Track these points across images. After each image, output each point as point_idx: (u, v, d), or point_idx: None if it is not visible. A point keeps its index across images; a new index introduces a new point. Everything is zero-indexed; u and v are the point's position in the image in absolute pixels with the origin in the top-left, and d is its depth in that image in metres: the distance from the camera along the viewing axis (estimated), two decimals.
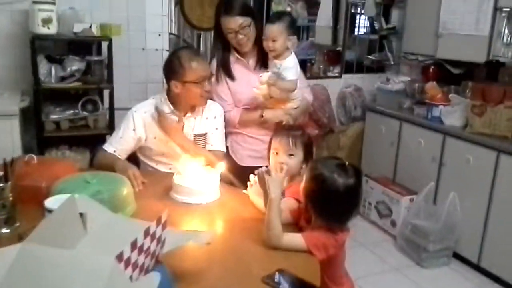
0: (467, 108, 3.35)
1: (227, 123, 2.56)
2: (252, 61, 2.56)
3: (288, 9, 3.82)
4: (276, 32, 2.32)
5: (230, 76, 2.53)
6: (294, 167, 2.01)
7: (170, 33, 3.66)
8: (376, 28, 4.31)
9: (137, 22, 3.45)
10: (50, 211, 1.49)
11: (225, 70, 2.53)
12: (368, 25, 4.52)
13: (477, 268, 3.24)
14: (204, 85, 2.26)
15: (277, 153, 2.06)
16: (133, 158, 2.44)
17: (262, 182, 1.72)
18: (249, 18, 2.42)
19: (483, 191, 3.16)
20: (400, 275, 3.20)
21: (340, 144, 4.14)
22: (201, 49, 4.03)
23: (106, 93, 3.19)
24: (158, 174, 2.35)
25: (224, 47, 2.53)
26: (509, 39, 3.31)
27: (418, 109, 3.74)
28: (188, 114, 2.36)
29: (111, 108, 3.12)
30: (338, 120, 4.32)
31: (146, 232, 1.19)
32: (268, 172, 1.68)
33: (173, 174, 2.24)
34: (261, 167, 2.56)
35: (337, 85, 4.33)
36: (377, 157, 4.06)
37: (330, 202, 1.59)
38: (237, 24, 2.39)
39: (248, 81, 2.53)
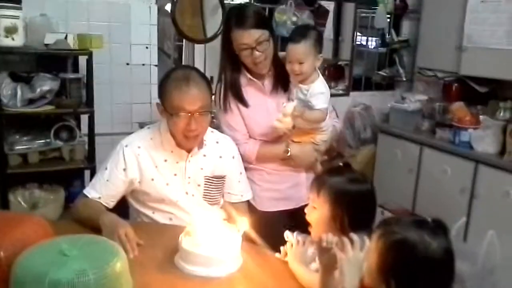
0: (500, 131, 2.96)
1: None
2: (268, 83, 2.09)
3: (294, 19, 3.36)
4: (303, 53, 1.91)
5: (242, 101, 2.05)
6: (314, 224, 1.55)
7: None
8: (387, 41, 3.88)
9: (120, 32, 2.96)
10: None
11: (236, 94, 2.05)
12: (368, 37, 4.10)
13: None
14: (189, 122, 1.72)
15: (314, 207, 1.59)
16: (121, 203, 1.92)
17: (323, 254, 1.24)
18: (267, 31, 1.96)
19: None
20: None
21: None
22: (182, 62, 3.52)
23: (84, 117, 2.66)
24: (157, 228, 1.83)
25: (233, 68, 2.04)
26: None
27: (441, 132, 3.32)
28: (195, 150, 1.85)
29: (91, 136, 2.59)
30: (346, 143, 3.87)
31: None
32: (339, 244, 1.19)
33: (176, 227, 1.77)
34: (285, 211, 2.14)
35: (344, 103, 3.87)
36: (393, 186, 3.61)
37: (424, 275, 1.14)
38: (253, 39, 1.92)
39: (264, 107, 2.07)
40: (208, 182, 1.89)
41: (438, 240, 1.14)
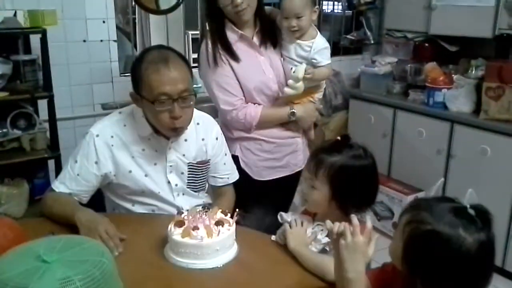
0: (474, 89, 2.94)
1: (236, 124, 1.96)
2: (256, 39, 1.97)
3: None
4: (300, 6, 1.83)
5: (233, 55, 1.90)
6: (314, 205, 1.47)
7: None
8: (353, 3, 3.76)
9: (74, 6, 2.69)
10: None
11: (226, 47, 1.90)
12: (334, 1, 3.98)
13: (502, 272, 2.86)
14: (173, 109, 1.54)
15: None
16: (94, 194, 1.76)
17: (336, 241, 1.14)
18: None
19: (505, 185, 2.75)
20: None
21: (325, 139, 3.61)
22: (137, 40, 3.28)
23: (41, 102, 2.44)
24: (138, 219, 1.69)
25: (219, 21, 1.90)
26: None
27: (414, 94, 3.28)
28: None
29: (52, 123, 2.38)
30: None
31: None
32: (342, 232, 1.09)
33: (158, 217, 1.67)
34: (285, 178, 2.05)
35: None
36: None
37: (454, 271, 1.03)
38: None
39: (256, 63, 1.95)
40: (192, 168, 1.74)
41: (474, 234, 1.02)
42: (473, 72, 3.05)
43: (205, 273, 1.35)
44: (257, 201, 1.83)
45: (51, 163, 2.43)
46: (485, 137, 2.82)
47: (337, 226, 1.12)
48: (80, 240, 1.32)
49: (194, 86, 1.91)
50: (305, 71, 1.82)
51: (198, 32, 3.16)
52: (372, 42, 3.84)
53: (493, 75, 2.77)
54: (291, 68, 1.88)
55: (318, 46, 1.89)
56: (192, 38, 3.14)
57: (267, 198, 1.89)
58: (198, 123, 1.76)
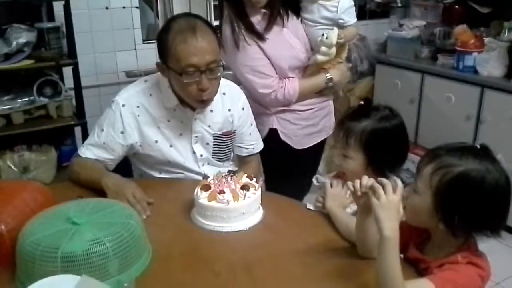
0: (506, 53, 2.84)
1: (274, 105, 1.92)
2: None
3: None
4: None
5: (259, 35, 1.82)
6: (352, 175, 1.40)
7: None
8: None
9: None
10: None
11: (250, 29, 1.82)
12: None
13: None
14: (200, 81, 1.50)
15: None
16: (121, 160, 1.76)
17: (360, 198, 1.14)
18: None
19: None
20: None
21: (351, 105, 3.56)
22: (159, 11, 3.23)
23: (66, 70, 2.46)
24: (165, 184, 1.70)
25: (237, 2, 1.82)
26: None
27: (443, 58, 3.18)
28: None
29: (78, 90, 2.39)
30: None
31: None
32: (373, 189, 1.07)
33: (185, 181, 1.68)
34: (319, 143, 2.03)
35: None
36: None
37: (493, 203, 1.06)
38: None
39: (282, 40, 1.87)
40: (217, 139, 1.72)
41: (499, 168, 1.06)
42: (506, 34, 2.95)
43: (231, 235, 1.36)
44: (295, 170, 1.82)
45: (77, 131, 2.46)
46: None
47: (358, 182, 1.11)
48: (109, 203, 1.34)
49: None
50: (339, 35, 1.76)
51: None
52: (399, 5, 3.72)
53: None
54: (323, 35, 1.81)
55: (344, 5, 1.83)
56: (214, 5, 3.10)
57: (305, 165, 1.90)
58: (224, 93, 1.71)
